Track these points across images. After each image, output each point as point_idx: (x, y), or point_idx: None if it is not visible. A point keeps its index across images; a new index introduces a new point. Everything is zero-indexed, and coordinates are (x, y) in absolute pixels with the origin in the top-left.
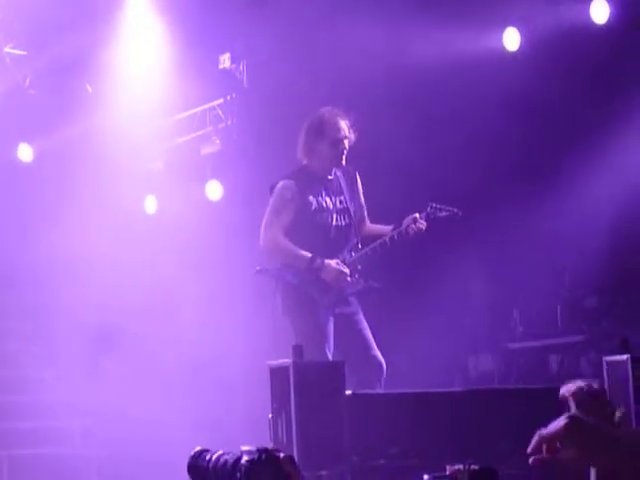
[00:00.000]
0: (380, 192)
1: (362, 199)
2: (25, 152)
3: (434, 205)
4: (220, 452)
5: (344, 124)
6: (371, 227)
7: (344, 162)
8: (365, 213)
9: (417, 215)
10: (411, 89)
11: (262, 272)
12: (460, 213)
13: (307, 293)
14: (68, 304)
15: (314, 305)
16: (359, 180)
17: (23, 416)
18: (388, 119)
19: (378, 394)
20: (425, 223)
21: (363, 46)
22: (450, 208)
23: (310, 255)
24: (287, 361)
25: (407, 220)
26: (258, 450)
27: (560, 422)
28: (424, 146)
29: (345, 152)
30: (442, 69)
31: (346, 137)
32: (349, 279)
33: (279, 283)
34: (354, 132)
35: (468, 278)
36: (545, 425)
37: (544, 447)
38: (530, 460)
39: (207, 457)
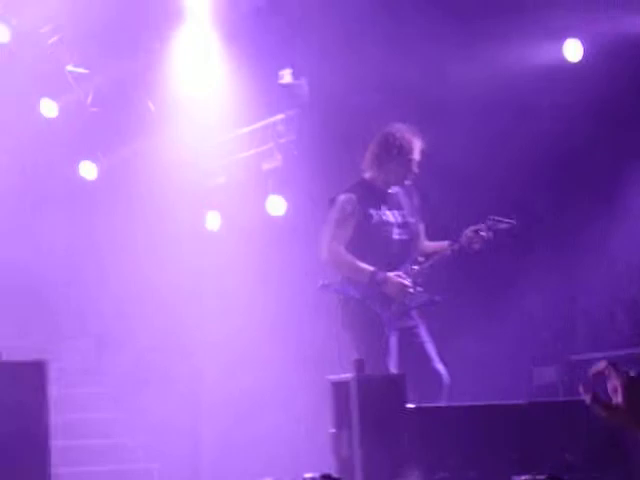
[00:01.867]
0: (434, 207)
1: (420, 216)
2: (88, 170)
3: (493, 217)
4: None
5: (417, 144)
6: (429, 244)
7: (408, 181)
8: (423, 230)
9: (478, 227)
10: (470, 102)
11: (325, 287)
12: (518, 224)
13: (370, 307)
14: (131, 324)
15: (377, 319)
16: (417, 197)
17: (82, 433)
18: (445, 133)
19: (440, 407)
20: (488, 234)
21: (422, 60)
22: (509, 220)
23: (372, 269)
24: (348, 376)
25: (467, 233)
26: (322, 477)
27: (623, 377)
28: (483, 159)
29: (413, 172)
30: (502, 81)
31: (417, 158)
32: (412, 292)
33: (341, 297)
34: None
35: (530, 290)
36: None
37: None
38: (582, 388)
39: None
